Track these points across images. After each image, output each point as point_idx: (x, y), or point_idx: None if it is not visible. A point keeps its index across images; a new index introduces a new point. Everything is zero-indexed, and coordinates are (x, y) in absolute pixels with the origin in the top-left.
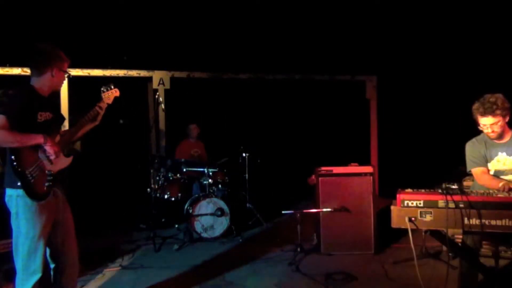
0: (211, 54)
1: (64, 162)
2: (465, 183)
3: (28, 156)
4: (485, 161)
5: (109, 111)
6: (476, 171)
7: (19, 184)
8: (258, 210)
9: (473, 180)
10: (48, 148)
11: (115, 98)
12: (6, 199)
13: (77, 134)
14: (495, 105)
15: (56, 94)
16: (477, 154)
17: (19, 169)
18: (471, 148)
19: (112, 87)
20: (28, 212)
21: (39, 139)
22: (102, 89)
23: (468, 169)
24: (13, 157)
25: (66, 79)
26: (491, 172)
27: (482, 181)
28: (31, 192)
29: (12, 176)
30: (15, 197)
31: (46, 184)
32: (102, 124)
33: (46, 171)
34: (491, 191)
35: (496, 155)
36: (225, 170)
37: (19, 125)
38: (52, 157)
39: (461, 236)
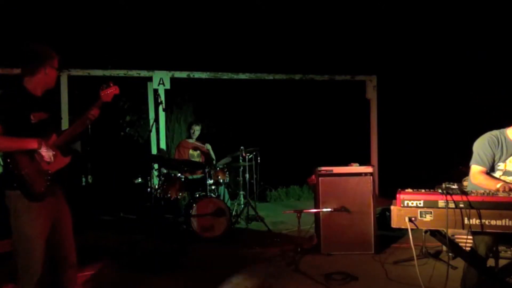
0: (211, 54)
1: (62, 161)
2: (465, 183)
3: (24, 157)
4: (492, 162)
5: (110, 111)
6: (475, 168)
7: (15, 185)
8: (258, 209)
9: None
10: (43, 153)
11: (114, 95)
12: (5, 200)
13: (72, 135)
14: None
15: (51, 93)
16: (487, 153)
17: (15, 171)
18: (485, 144)
19: (111, 84)
20: (27, 212)
21: (33, 144)
22: (101, 87)
23: (471, 163)
24: (8, 159)
25: (66, 78)
26: (501, 172)
27: (477, 181)
28: (29, 193)
29: (9, 178)
30: (13, 197)
31: (44, 184)
32: (104, 125)
33: (44, 171)
34: (491, 191)
35: (511, 155)
36: (226, 170)
37: (12, 127)
38: (48, 161)
39: (461, 236)
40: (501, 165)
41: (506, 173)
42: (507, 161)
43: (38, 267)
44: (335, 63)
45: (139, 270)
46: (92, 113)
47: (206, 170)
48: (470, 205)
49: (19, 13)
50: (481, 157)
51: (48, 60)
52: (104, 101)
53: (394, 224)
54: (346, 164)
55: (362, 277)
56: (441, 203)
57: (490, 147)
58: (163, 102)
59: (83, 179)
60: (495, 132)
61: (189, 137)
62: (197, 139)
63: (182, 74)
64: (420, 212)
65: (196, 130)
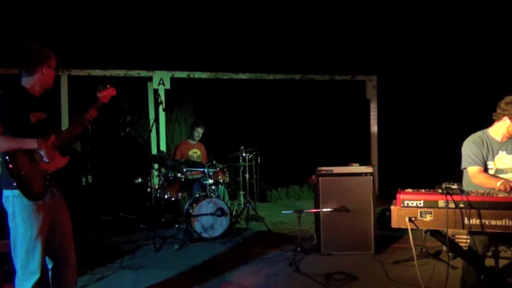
0: (211, 54)
1: (60, 161)
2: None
3: (23, 156)
4: (484, 160)
5: (110, 111)
6: (472, 169)
7: (15, 184)
8: (258, 209)
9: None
10: (43, 153)
11: (112, 97)
12: (3, 200)
13: (70, 135)
14: None
15: (49, 93)
16: (477, 152)
17: (15, 170)
18: (472, 145)
19: (108, 86)
20: (25, 212)
21: (33, 144)
22: (97, 88)
23: (463, 166)
24: (7, 158)
25: (66, 78)
26: (492, 171)
27: (477, 180)
28: (28, 192)
29: (8, 177)
30: (11, 197)
31: (43, 184)
32: (104, 125)
33: (43, 171)
34: (491, 191)
35: (497, 153)
36: (226, 170)
37: (11, 127)
38: (47, 161)
39: (461, 236)
40: (490, 164)
41: (497, 171)
42: (495, 159)
43: (37, 267)
44: (335, 63)
45: (139, 269)
46: (90, 114)
47: (206, 170)
48: (470, 205)
49: (19, 13)
50: (472, 157)
51: (45, 60)
52: (101, 102)
53: (394, 224)
54: (346, 164)
55: (362, 277)
56: (441, 203)
57: (477, 147)
58: (163, 102)
59: (83, 179)
60: (477, 133)
61: (190, 137)
62: (197, 140)
63: (182, 74)
64: (420, 212)
65: (200, 133)
